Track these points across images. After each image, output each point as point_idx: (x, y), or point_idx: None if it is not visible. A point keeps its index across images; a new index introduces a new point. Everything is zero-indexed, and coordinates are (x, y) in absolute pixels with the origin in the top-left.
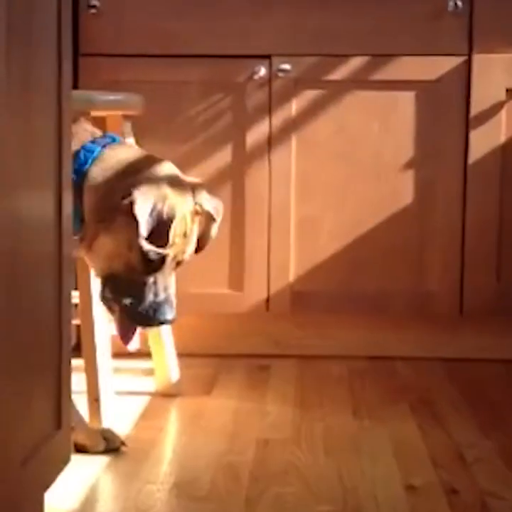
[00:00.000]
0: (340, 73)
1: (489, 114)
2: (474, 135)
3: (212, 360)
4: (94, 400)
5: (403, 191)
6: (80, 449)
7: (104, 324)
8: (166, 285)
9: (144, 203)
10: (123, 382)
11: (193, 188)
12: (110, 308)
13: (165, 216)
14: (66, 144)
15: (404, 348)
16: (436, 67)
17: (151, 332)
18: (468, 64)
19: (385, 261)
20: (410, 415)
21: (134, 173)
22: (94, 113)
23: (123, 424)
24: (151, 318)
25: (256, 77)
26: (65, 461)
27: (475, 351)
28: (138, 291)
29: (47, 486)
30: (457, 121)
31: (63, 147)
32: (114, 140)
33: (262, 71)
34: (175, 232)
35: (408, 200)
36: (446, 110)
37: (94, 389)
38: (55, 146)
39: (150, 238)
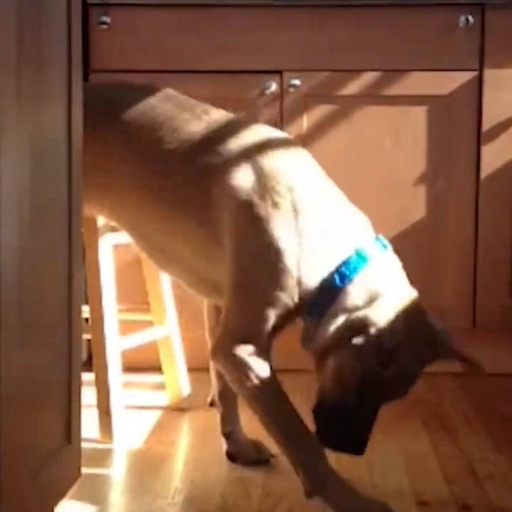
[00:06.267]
0: (351, 88)
1: (501, 129)
2: (486, 150)
3: None
4: (104, 414)
5: (415, 206)
6: (231, 459)
7: (114, 338)
8: (365, 419)
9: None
10: (134, 397)
11: (436, 334)
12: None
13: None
14: (76, 165)
15: None
16: (447, 82)
17: (162, 347)
18: (479, 79)
19: None
20: (422, 430)
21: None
22: None
23: (134, 438)
24: (332, 442)
25: (267, 92)
26: (75, 475)
27: (488, 366)
28: (336, 413)
29: (57, 501)
30: (469, 136)
31: (73, 168)
32: (383, 246)
33: (273, 86)
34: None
35: (420, 214)
36: (458, 125)
37: (105, 403)
38: (65, 165)
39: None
